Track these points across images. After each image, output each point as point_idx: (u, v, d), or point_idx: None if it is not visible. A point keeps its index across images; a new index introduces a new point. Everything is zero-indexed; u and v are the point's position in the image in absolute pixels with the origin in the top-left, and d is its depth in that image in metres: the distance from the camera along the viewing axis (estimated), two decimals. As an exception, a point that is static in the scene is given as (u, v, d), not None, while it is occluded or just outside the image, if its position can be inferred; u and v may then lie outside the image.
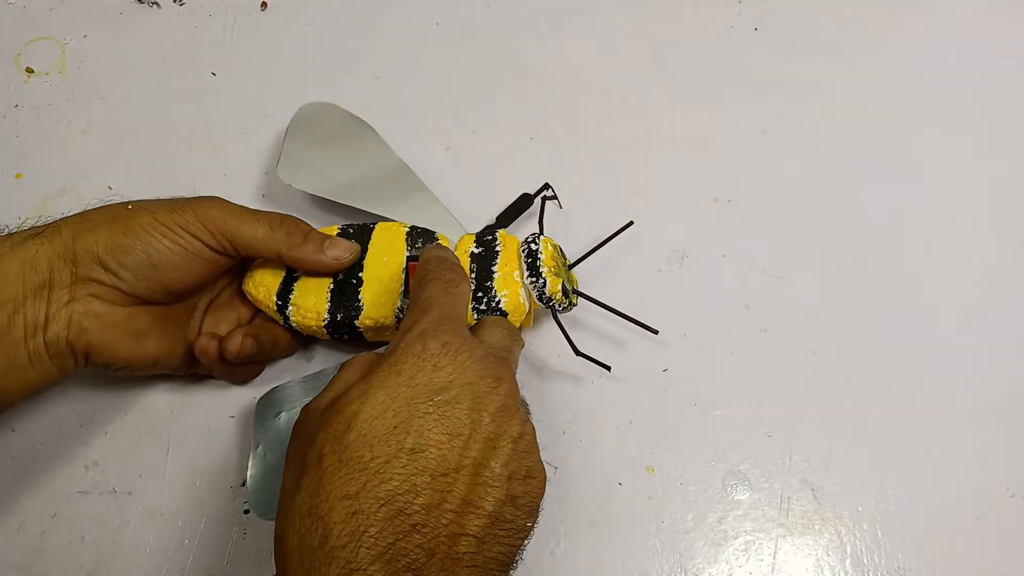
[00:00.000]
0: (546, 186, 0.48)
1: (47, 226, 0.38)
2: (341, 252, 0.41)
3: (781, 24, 0.55)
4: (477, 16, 0.56)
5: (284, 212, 0.42)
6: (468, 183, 0.49)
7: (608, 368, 0.42)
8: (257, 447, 0.41)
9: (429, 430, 0.30)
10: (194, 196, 0.40)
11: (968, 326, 0.46)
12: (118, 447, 0.43)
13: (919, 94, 0.53)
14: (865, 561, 0.40)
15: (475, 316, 0.41)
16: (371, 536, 0.28)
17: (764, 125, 0.52)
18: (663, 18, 0.56)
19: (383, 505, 0.28)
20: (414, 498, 0.29)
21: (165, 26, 0.57)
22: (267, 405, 0.42)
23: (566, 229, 0.48)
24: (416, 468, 0.29)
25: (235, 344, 0.40)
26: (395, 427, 0.30)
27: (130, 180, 0.51)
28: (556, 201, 0.49)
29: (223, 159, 0.51)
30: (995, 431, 0.43)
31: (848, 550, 0.41)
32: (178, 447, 0.43)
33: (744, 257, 0.48)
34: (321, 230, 0.43)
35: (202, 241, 0.38)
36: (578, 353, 0.42)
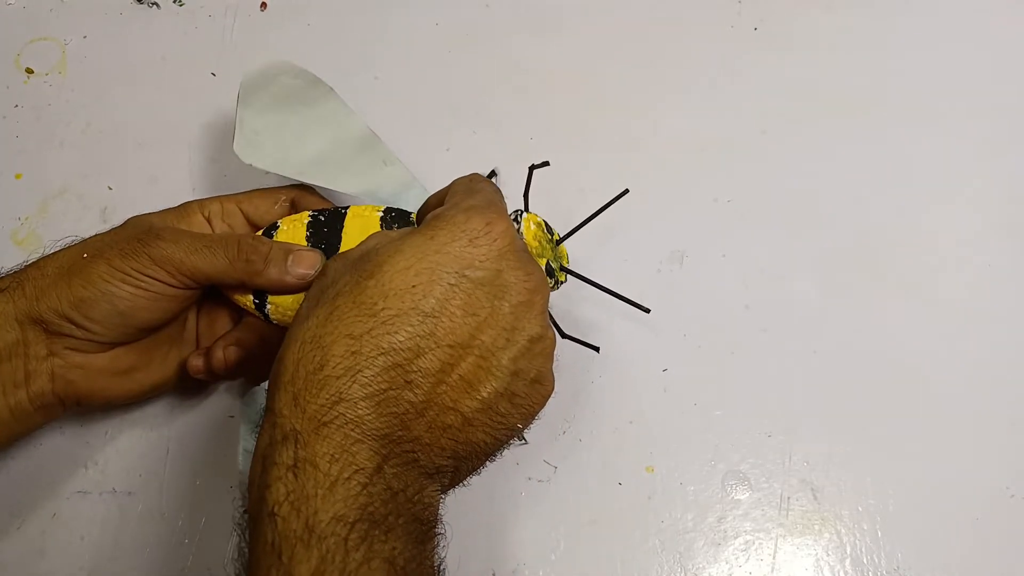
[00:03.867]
0: (530, 171, 0.47)
1: (9, 278, 0.37)
2: (307, 269, 0.40)
3: (781, 24, 0.55)
4: (477, 16, 0.56)
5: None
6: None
7: (597, 349, 0.42)
8: (249, 444, 0.40)
9: (448, 300, 0.31)
10: (152, 224, 0.39)
11: (968, 326, 0.46)
12: (118, 447, 0.43)
13: (919, 94, 0.53)
14: (865, 561, 0.40)
15: None
16: (365, 377, 0.29)
17: (764, 125, 0.52)
18: (663, 18, 0.56)
19: (383, 354, 0.29)
20: (415, 357, 0.30)
21: (165, 27, 0.57)
22: (251, 402, 0.42)
23: (566, 228, 0.48)
24: (424, 331, 0.30)
25: (219, 359, 0.40)
26: (414, 286, 0.31)
27: (129, 180, 0.51)
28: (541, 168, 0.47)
29: (223, 159, 0.51)
30: (995, 431, 0.43)
31: (848, 550, 0.41)
32: (178, 447, 0.43)
33: (744, 257, 0.48)
34: (291, 218, 0.42)
35: (163, 282, 0.37)
36: (564, 336, 0.41)
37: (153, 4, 0.57)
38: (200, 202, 0.42)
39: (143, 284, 0.37)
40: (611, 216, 0.46)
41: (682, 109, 0.52)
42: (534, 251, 0.40)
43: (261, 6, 0.57)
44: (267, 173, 0.50)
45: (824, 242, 0.48)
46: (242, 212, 0.43)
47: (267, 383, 0.41)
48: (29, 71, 0.55)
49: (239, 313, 0.43)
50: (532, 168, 0.45)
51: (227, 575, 0.40)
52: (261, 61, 0.47)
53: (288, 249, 0.40)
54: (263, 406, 0.40)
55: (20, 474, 0.43)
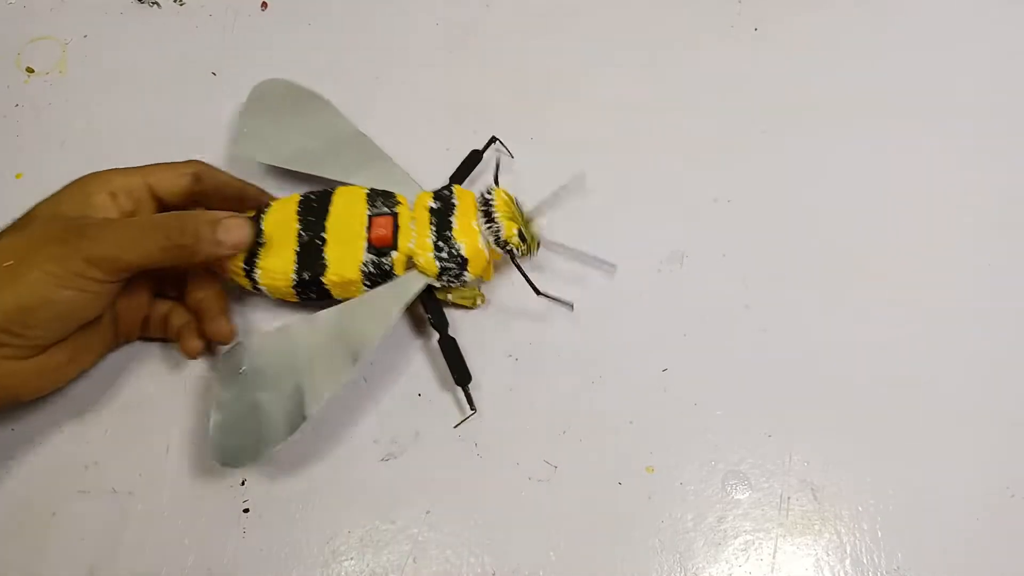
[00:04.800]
0: (493, 139, 0.50)
1: None
2: (238, 237, 0.39)
3: (781, 24, 0.55)
4: (477, 16, 0.56)
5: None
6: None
7: (571, 306, 0.44)
8: (223, 396, 0.42)
9: None
10: (69, 217, 0.38)
11: (968, 326, 0.46)
12: (118, 447, 0.43)
13: (918, 94, 0.53)
14: (865, 561, 0.40)
15: (438, 265, 0.42)
16: None
17: (764, 125, 0.52)
18: (663, 18, 0.56)
19: None
20: None
21: (165, 26, 0.57)
22: (230, 358, 0.43)
23: (568, 228, 0.48)
24: None
25: (227, 332, 0.42)
26: None
27: (130, 180, 0.51)
28: (506, 151, 0.51)
29: (224, 159, 0.51)
30: (995, 431, 0.43)
31: (848, 550, 0.41)
32: (178, 447, 0.43)
33: (744, 257, 0.48)
34: (284, 199, 0.44)
35: (100, 281, 0.37)
36: (539, 293, 0.43)
37: (154, 3, 0.57)
38: (100, 178, 0.41)
39: (83, 285, 0.36)
40: (611, 216, 0.46)
41: (682, 109, 0.52)
42: (504, 215, 0.43)
43: (262, 6, 0.57)
44: (265, 170, 0.50)
45: (824, 242, 0.48)
46: (148, 186, 0.42)
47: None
48: (30, 70, 0.55)
49: (150, 281, 0.43)
50: (492, 141, 0.49)
51: (227, 574, 0.40)
52: (263, 80, 0.49)
53: (213, 219, 0.39)
54: (239, 365, 0.42)
55: (20, 473, 0.43)
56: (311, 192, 0.45)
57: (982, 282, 0.47)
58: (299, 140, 0.48)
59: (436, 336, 0.43)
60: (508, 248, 0.43)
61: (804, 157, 0.51)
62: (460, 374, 0.43)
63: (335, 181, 0.46)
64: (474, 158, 0.49)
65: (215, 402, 0.41)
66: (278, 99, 0.50)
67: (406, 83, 0.54)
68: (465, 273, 0.43)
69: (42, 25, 0.57)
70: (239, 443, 0.40)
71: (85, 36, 0.56)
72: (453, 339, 0.43)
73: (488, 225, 0.43)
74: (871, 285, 0.47)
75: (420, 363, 0.45)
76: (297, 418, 0.40)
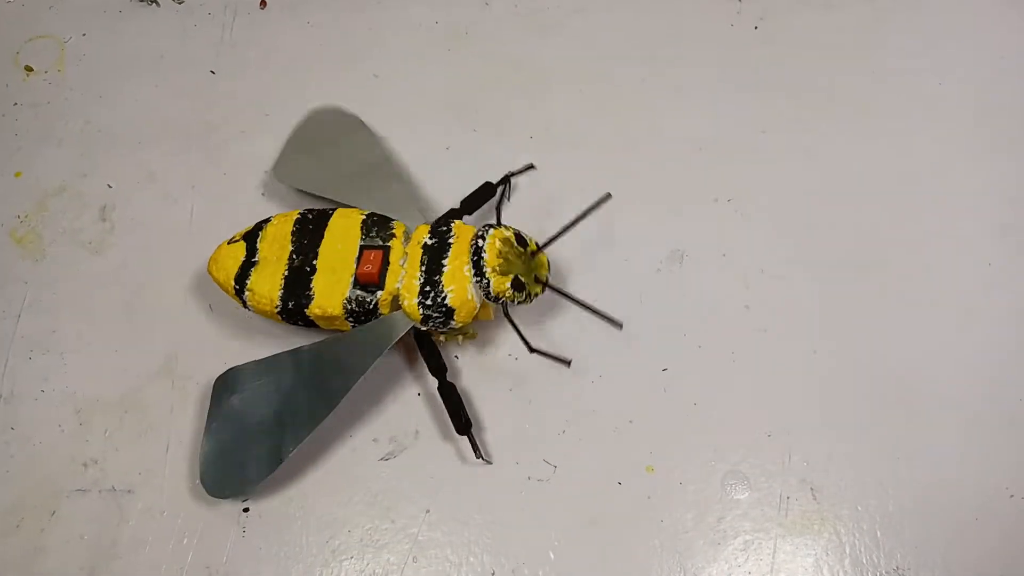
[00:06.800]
0: (507, 179, 0.47)
1: None
2: None
3: (781, 24, 0.55)
4: (477, 16, 0.56)
5: (282, 208, 0.41)
6: (468, 183, 0.49)
7: (568, 363, 0.41)
8: (212, 424, 0.41)
9: None
10: None
11: (968, 326, 0.46)
12: (118, 446, 0.43)
13: (919, 94, 0.53)
14: (864, 561, 0.40)
15: (420, 312, 0.40)
16: None
17: (764, 125, 0.52)
18: (663, 18, 0.56)
19: None
20: None
21: (164, 25, 0.56)
22: (223, 385, 0.42)
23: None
24: None
25: None
26: None
27: (129, 178, 0.51)
28: (510, 184, 0.48)
29: (222, 158, 0.51)
30: (995, 431, 0.43)
31: (848, 550, 0.41)
32: (178, 446, 0.43)
33: (744, 257, 0.48)
34: (284, 215, 0.43)
35: None
36: (532, 350, 0.41)
37: (153, 2, 0.57)
38: None
39: None
40: (611, 216, 0.46)
41: (682, 109, 0.52)
42: (495, 268, 0.39)
43: (261, 4, 0.57)
44: (266, 172, 0.50)
45: (824, 242, 0.48)
46: None
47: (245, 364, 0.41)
48: (28, 69, 0.55)
49: None
50: (509, 176, 0.45)
51: (226, 573, 0.40)
52: (316, 108, 0.49)
53: None
54: (230, 392, 0.41)
55: (19, 472, 0.43)
56: (310, 211, 0.43)
57: (982, 282, 0.47)
58: (332, 168, 0.46)
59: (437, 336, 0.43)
60: (501, 301, 0.40)
61: (804, 157, 0.51)
62: (460, 422, 0.41)
63: (342, 203, 0.45)
64: (487, 191, 0.46)
65: (206, 430, 0.41)
66: (325, 129, 0.49)
67: (406, 83, 0.54)
68: (452, 321, 0.40)
69: (41, 24, 0.57)
70: (225, 475, 0.40)
71: (84, 35, 0.56)
72: (451, 384, 0.41)
73: (478, 280, 0.39)
74: (871, 285, 0.47)
75: (420, 363, 0.45)
76: (275, 459, 0.39)
